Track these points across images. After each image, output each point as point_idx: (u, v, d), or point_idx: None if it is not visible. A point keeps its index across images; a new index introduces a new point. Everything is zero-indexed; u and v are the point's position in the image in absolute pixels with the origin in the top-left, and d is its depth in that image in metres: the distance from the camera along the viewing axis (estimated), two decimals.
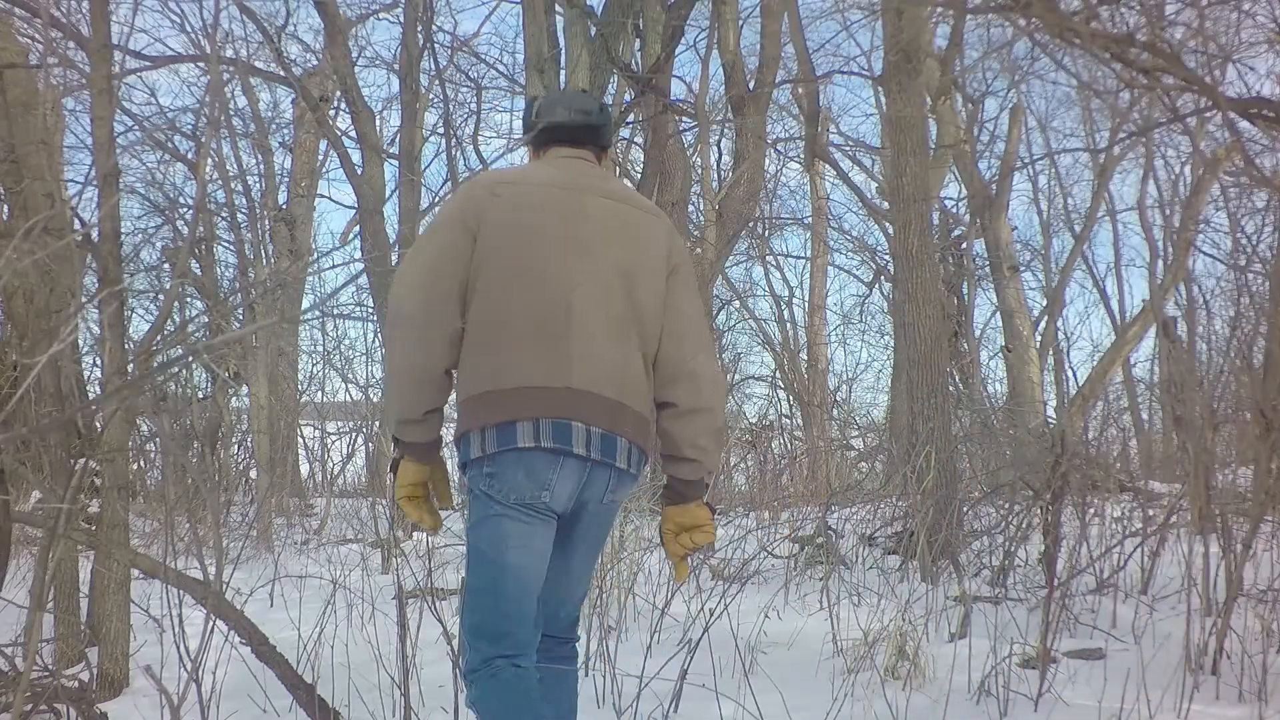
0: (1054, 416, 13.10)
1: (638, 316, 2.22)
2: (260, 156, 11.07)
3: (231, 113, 9.96)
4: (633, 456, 2.22)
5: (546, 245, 2.20)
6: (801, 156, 13.09)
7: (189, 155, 9.78)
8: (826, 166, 13.64)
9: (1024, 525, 5.05)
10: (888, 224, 11.40)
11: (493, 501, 2.16)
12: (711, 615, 3.51)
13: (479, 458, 2.17)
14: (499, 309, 2.17)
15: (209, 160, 9.24)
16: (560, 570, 2.29)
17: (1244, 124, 4.58)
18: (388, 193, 8.72)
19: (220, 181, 9.79)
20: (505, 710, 2.11)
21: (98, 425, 3.38)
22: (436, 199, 13.17)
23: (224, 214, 10.23)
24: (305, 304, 11.90)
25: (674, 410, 2.26)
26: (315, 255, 12.60)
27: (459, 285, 2.18)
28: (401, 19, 9.43)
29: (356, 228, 11.18)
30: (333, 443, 11.52)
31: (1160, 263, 14.21)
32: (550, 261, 2.19)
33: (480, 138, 12.77)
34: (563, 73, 7.81)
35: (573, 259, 2.19)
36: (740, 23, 10.31)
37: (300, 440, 10.88)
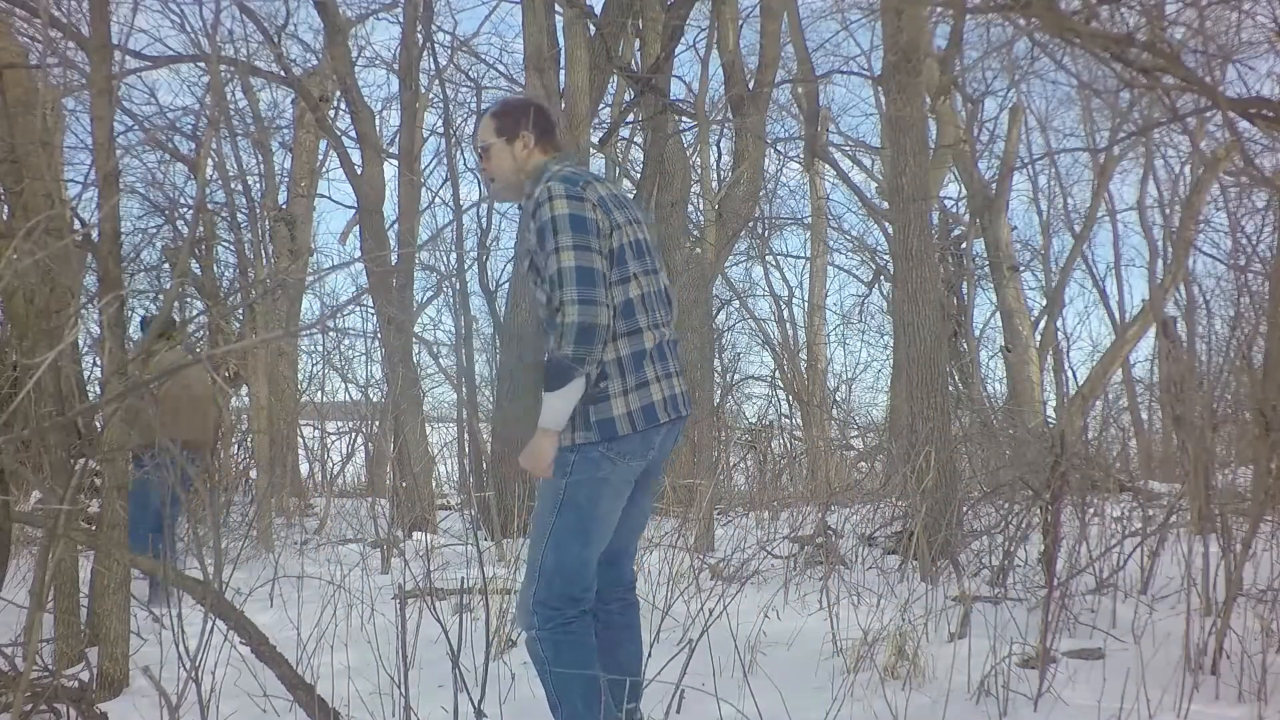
0: (1054, 416, 13.10)
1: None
2: (260, 156, 11.07)
3: (231, 113, 9.96)
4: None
5: None
6: (801, 156, 13.08)
7: (189, 155, 9.78)
8: (826, 166, 13.64)
9: (1024, 525, 5.05)
10: (888, 224, 11.39)
11: None
12: (711, 615, 3.50)
13: None
14: None
15: (209, 160, 9.25)
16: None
17: (1244, 124, 4.58)
18: (387, 193, 8.71)
19: (220, 181, 9.79)
20: None
21: (98, 425, 3.38)
22: (436, 199, 13.19)
23: (224, 214, 10.24)
24: (305, 304, 11.92)
25: None
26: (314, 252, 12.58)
27: None
28: (401, 19, 9.42)
29: (356, 228, 11.17)
30: (332, 443, 11.51)
31: (1160, 263, 14.21)
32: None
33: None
34: (562, 72, 7.80)
35: None
36: (740, 23, 10.30)
37: (300, 440, 10.88)
